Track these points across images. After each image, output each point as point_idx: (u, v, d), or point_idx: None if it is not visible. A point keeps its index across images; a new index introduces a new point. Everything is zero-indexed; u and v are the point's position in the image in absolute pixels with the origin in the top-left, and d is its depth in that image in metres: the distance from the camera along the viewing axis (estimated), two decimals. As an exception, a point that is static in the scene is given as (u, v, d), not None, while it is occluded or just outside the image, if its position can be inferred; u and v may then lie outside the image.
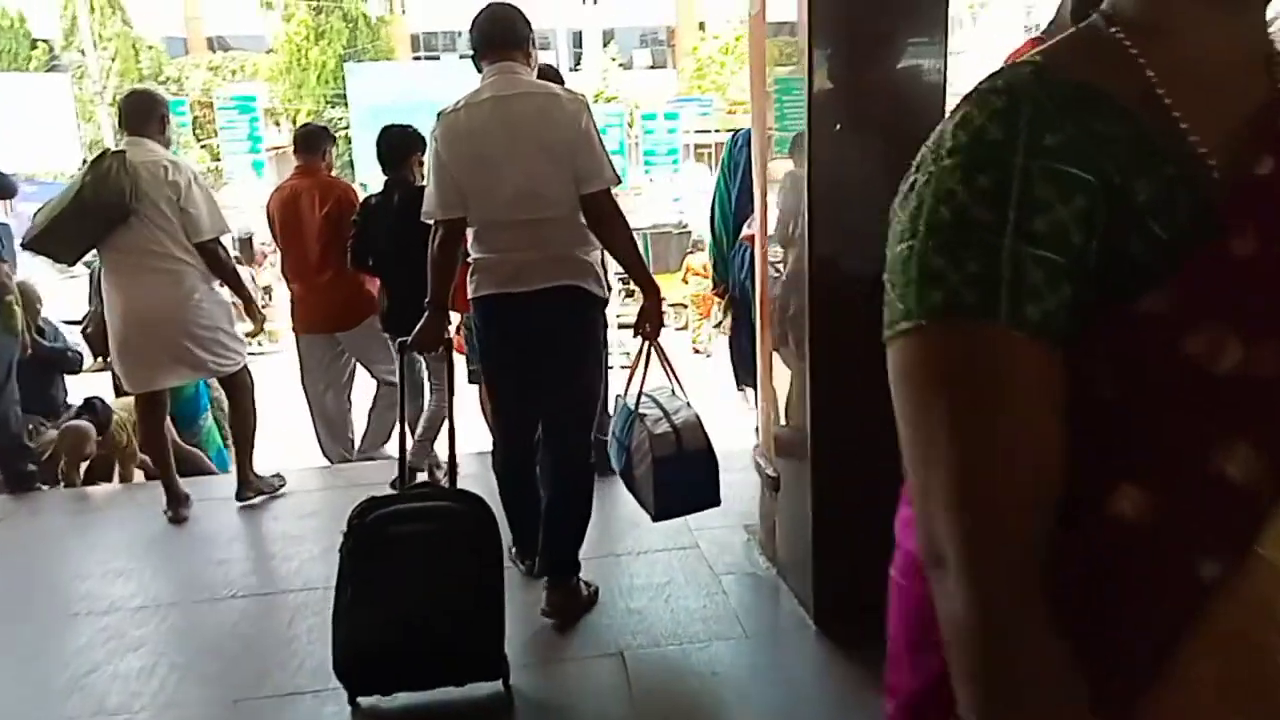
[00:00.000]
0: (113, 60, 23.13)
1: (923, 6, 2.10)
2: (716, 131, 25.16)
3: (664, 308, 2.79)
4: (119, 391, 4.58)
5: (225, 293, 3.80)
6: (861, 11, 2.09)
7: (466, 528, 2.34)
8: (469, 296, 2.75)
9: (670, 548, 3.28)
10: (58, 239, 3.51)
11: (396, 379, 4.45)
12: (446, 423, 2.81)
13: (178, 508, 3.82)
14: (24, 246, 3.71)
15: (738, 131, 3.65)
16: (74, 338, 4.89)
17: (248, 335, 3.93)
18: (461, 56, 29.39)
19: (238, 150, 23.76)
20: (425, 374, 4.12)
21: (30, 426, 4.36)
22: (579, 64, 31.69)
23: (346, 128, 24.21)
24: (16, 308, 4.01)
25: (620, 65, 31.00)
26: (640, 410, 2.81)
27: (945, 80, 2.12)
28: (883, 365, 0.66)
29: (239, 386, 3.82)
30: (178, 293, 3.52)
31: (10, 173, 4.65)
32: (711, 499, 2.80)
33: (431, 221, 2.67)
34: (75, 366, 4.71)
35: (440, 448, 3.94)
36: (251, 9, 26.21)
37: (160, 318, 3.52)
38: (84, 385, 4.92)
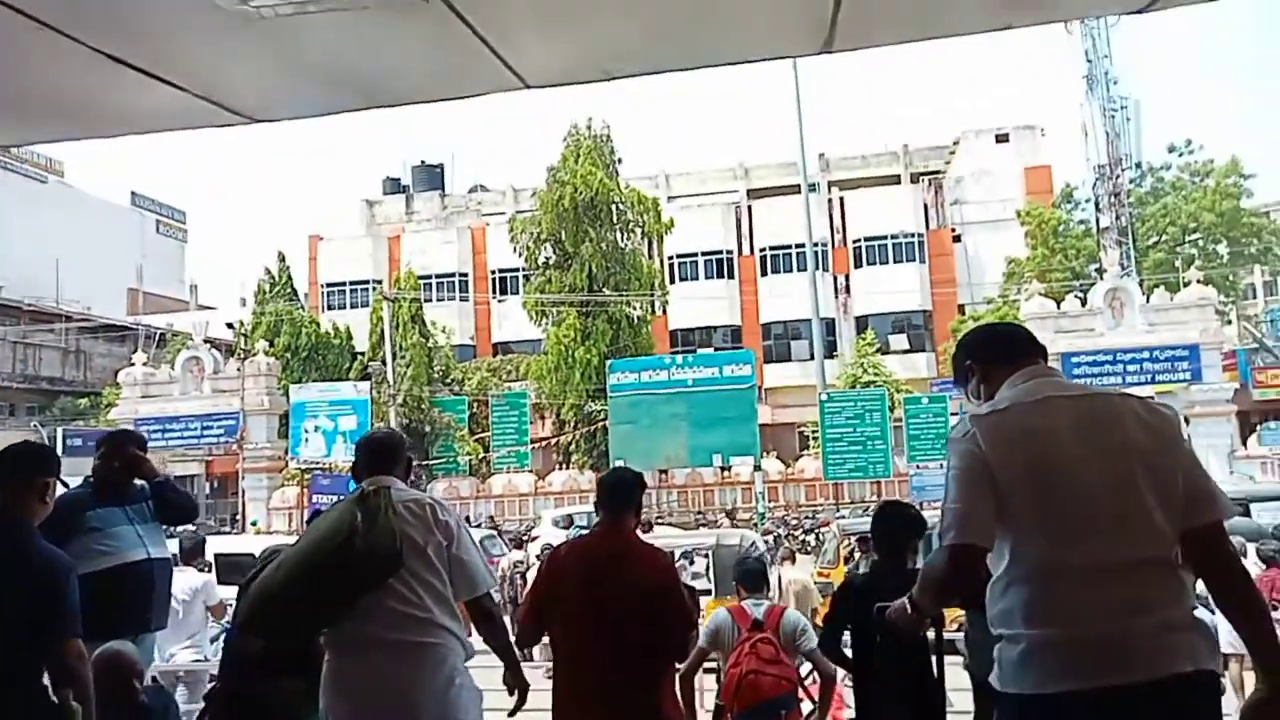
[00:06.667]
0: (408, 367, 26.15)
1: None
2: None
3: None
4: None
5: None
6: None
7: None
8: (1008, 690, 1.93)
9: None
10: (300, 610, 2.55)
11: None
12: None
13: None
14: (241, 629, 2.73)
15: None
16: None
17: (509, 714, 2.84)
18: (717, 349, 30.46)
19: (507, 443, 25.55)
20: None
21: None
22: (834, 351, 31.53)
23: (604, 419, 25.38)
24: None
25: (877, 350, 30.61)
26: None
27: None
28: None
29: None
30: (439, 679, 2.57)
31: (314, 465, 4.13)
32: None
33: (946, 545, 2.00)
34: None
35: None
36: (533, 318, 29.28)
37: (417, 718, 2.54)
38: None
